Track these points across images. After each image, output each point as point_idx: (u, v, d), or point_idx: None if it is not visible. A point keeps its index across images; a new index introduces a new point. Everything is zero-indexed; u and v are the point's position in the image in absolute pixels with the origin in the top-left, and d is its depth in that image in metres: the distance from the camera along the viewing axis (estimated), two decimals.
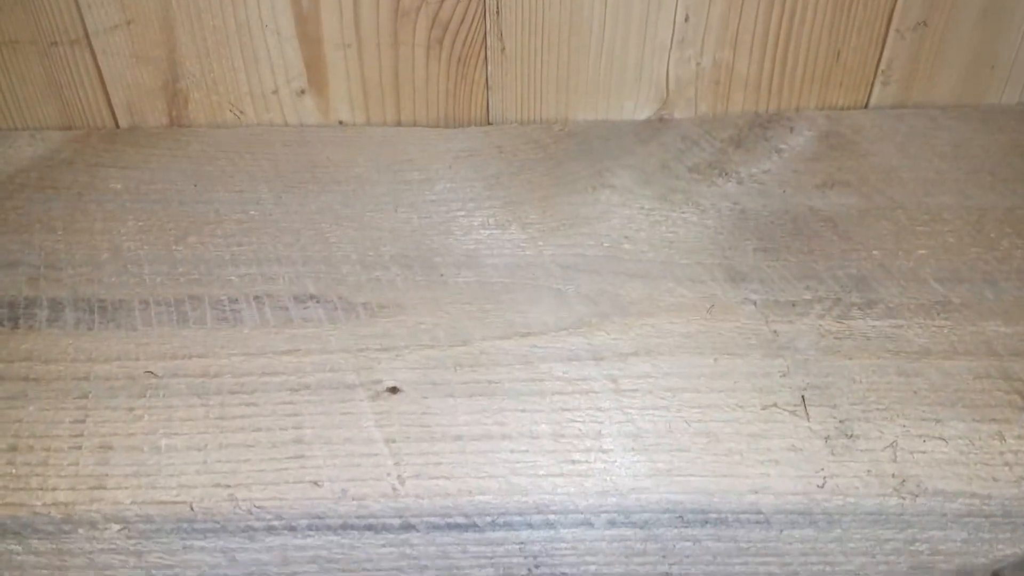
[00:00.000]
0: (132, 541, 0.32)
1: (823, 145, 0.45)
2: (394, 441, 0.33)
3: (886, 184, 0.43)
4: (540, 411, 0.33)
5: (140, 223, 0.41)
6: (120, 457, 0.32)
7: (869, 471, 0.31)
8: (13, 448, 0.32)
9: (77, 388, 0.34)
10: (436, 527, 0.32)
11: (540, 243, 0.40)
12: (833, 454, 0.32)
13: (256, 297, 0.38)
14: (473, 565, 0.34)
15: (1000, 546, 0.32)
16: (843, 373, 0.34)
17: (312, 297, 0.38)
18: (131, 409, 0.33)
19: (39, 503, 0.31)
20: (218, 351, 0.35)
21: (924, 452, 0.31)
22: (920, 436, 0.32)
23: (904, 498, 0.30)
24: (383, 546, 0.33)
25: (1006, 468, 0.31)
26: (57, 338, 0.36)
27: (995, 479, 0.31)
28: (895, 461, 0.31)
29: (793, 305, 0.37)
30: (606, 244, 0.40)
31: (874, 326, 0.36)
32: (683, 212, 0.41)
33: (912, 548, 0.32)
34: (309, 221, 0.41)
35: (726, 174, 0.43)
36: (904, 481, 0.31)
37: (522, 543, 0.33)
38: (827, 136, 0.45)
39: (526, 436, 0.33)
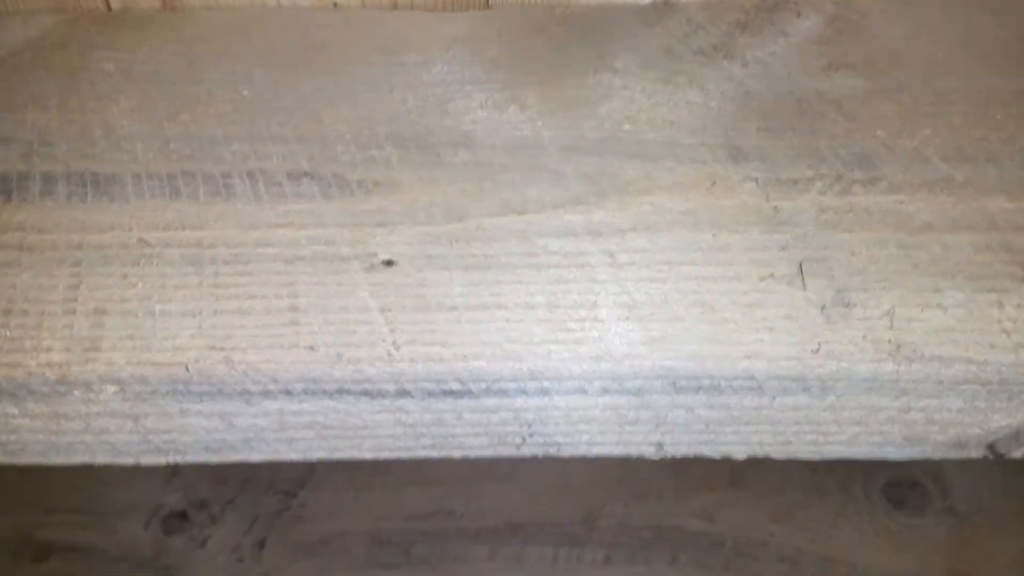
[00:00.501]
0: (128, 404, 0.32)
1: (830, 29, 0.44)
2: (389, 310, 0.33)
3: (893, 68, 0.42)
4: (535, 283, 0.33)
5: (132, 103, 0.41)
6: (114, 321, 0.32)
7: (865, 337, 0.31)
8: (7, 312, 0.32)
9: (71, 256, 0.34)
10: (431, 394, 0.33)
11: (539, 124, 0.39)
12: (829, 322, 0.31)
13: (249, 173, 0.37)
14: (468, 433, 0.34)
15: (996, 416, 0.32)
16: (842, 246, 0.34)
17: (306, 174, 0.37)
18: (125, 276, 0.33)
19: (34, 363, 0.31)
20: (211, 223, 0.35)
21: (921, 320, 0.31)
22: (918, 305, 0.32)
23: (900, 363, 0.30)
24: (379, 412, 0.33)
25: (1004, 336, 0.31)
26: (50, 210, 0.36)
27: (992, 345, 0.31)
28: (892, 328, 0.31)
29: (795, 182, 0.36)
30: (606, 125, 0.39)
31: (876, 202, 0.35)
32: (686, 94, 0.40)
33: (907, 417, 0.32)
34: (303, 102, 0.41)
35: (731, 57, 0.42)
36: (900, 347, 0.31)
37: (516, 411, 0.33)
38: (834, 20, 0.44)
39: (521, 307, 0.33)
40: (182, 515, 0.60)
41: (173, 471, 0.62)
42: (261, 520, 0.60)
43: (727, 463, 0.63)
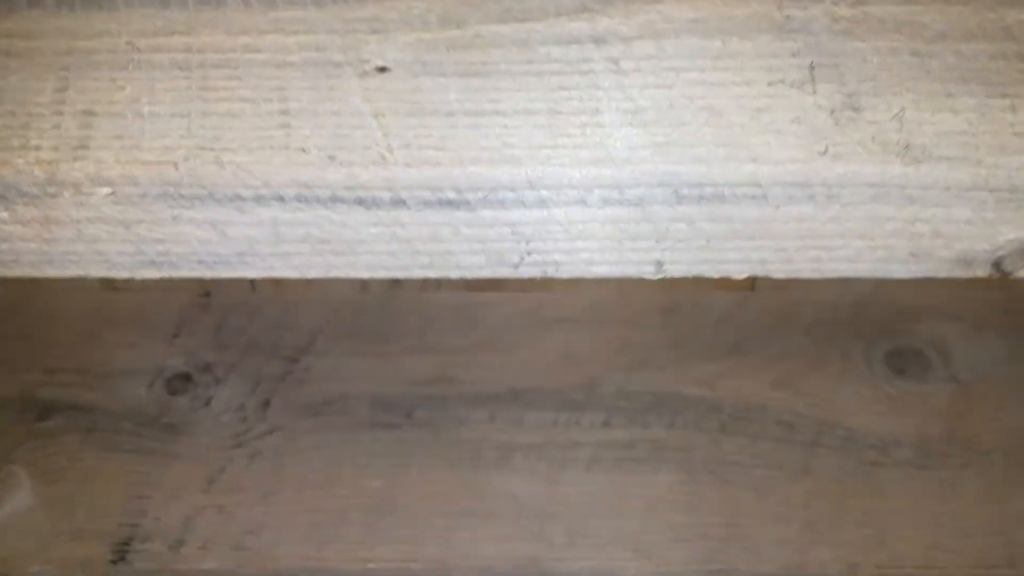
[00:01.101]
0: (119, 208, 0.32)
1: None
2: (383, 115, 0.32)
3: None
4: (536, 90, 0.32)
5: None
6: (103, 122, 0.31)
7: (873, 138, 0.30)
8: None
9: (58, 62, 0.33)
10: (427, 203, 0.32)
11: None
12: (838, 125, 0.30)
13: None
14: (465, 251, 0.34)
15: (1003, 229, 0.31)
16: (854, 54, 0.32)
17: None
18: (113, 80, 0.32)
19: (22, 161, 0.31)
20: (200, 29, 0.34)
21: (932, 123, 0.30)
22: (929, 109, 0.31)
23: (908, 165, 0.30)
24: (374, 225, 0.33)
25: (1016, 139, 0.30)
26: (38, 18, 0.35)
27: (1003, 148, 0.30)
28: (901, 130, 0.30)
29: None
30: None
31: (890, 12, 0.34)
32: None
33: (912, 229, 0.32)
34: None
35: None
36: (909, 147, 0.30)
37: (514, 225, 0.33)
38: None
39: (520, 113, 0.32)
40: (185, 377, 0.61)
41: (175, 333, 0.62)
42: (265, 382, 0.60)
43: (728, 334, 0.63)
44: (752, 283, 0.63)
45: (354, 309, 0.63)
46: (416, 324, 0.63)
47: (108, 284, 0.64)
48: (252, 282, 0.63)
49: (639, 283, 0.63)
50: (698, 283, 0.63)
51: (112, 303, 0.64)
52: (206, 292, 0.64)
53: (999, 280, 0.34)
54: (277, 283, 0.63)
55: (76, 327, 0.63)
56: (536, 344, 0.62)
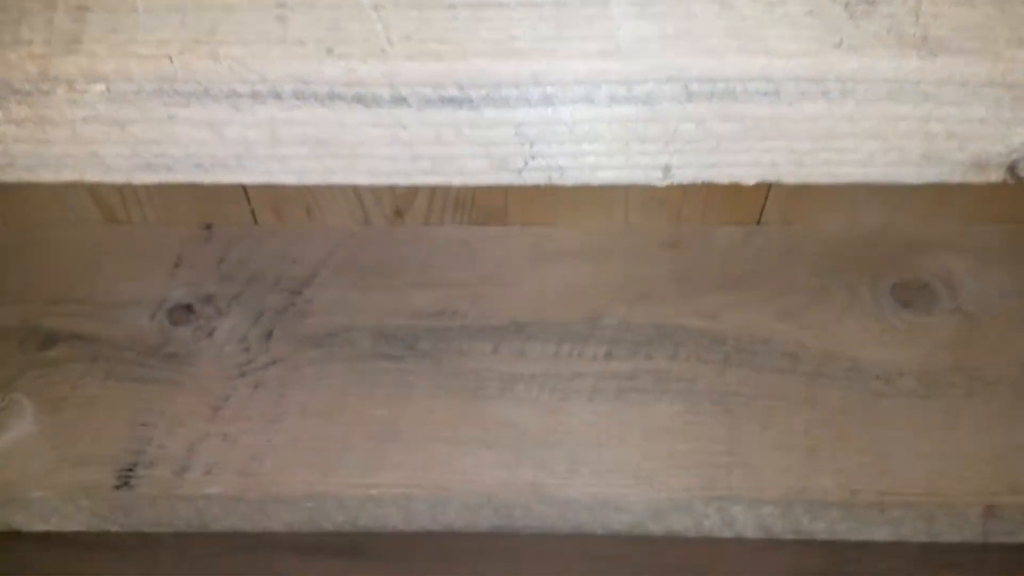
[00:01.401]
0: (114, 107, 0.31)
1: None
2: (383, 7, 0.31)
3: None
4: None
5: None
6: (96, 16, 0.30)
7: (889, 31, 0.29)
8: None
9: None
10: (428, 101, 0.31)
11: None
12: (852, 18, 0.29)
13: None
14: (468, 155, 0.33)
15: (1019, 129, 0.31)
16: None
17: None
18: None
19: (14, 56, 0.30)
20: None
21: (949, 16, 0.29)
22: (946, 2, 0.30)
23: (924, 59, 0.29)
24: (374, 126, 0.32)
25: None
26: None
27: (1021, 41, 0.29)
28: (917, 23, 0.29)
29: None
30: None
31: None
32: None
33: (927, 129, 0.31)
34: None
35: None
36: (925, 39, 0.29)
37: (518, 125, 0.32)
38: None
39: (525, 5, 0.31)
40: (188, 308, 0.60)
41: (176, 264, 0.62)
42: (267, 314, 0.60)
43: (733, 267, 0.63)
44: (758, 217, 0.62)
45: (357, 242, 0.63)
46: (419, 257, 0.62)
47: (109, 216, 0.63)
48: (253, 214, 0.63)
49: (643, 216, 0.62)
50: (704, 215, 0.63)
51: (113, 235, 0.64)
52: (207, 224, 0.63)
53: (1012, 188, 0.33)
54: (279, 215, 0.63)
55: (77, 259, 0.62)
56: (539, 277, 0.61)
